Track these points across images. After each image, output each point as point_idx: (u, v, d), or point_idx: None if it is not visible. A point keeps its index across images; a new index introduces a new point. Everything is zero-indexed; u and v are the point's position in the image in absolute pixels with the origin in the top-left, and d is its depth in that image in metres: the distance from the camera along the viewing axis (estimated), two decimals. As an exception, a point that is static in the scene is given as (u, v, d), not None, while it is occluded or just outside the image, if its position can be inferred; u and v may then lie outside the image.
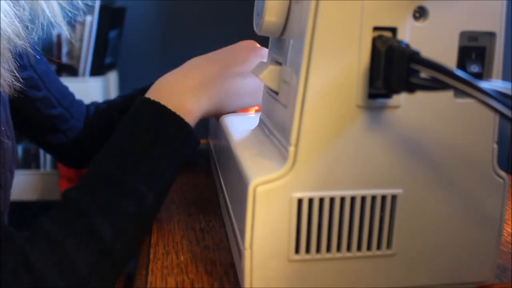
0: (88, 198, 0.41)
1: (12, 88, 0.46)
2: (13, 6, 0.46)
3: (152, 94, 0.46)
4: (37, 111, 0.67)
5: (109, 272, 0.40)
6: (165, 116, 0.44)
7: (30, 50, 0.48)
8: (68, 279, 0.37)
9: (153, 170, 0.43)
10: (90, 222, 0.39)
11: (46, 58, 0.69)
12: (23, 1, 0.51)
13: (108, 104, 0.76)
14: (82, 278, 0.38)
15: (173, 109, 0.44)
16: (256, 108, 0.54)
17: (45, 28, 0.53)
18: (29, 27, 0.50)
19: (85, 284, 0.38)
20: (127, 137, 0.44)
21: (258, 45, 0.54)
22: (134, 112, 0.46)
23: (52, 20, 0.54)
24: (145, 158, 0.43)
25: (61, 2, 0.55)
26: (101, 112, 0.75)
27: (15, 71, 0.46)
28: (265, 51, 0.52)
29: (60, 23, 0.55)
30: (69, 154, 0.74)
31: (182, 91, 0.46)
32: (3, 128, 0.54)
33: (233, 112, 0.51)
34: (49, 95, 0.68)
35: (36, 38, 0.52)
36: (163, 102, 0.45)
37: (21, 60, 0.48)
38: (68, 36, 0.59)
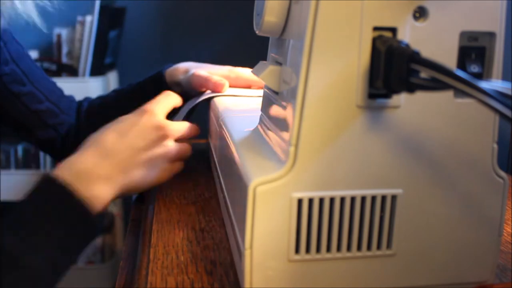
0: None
1: None
2: None
3: (67, 174, 0.47)
4: (24, 106, 0.68)
5: None
6: (71, 201, 0.45)
7: (9, 46, 0.47)
8: None
9: (38, 241, 0.43)
10: None
11: (29, 55, 0.69)
12: None
13: (102, 99, 0.76)
14: None
15: (85, 196, 0.46)
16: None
17: (13, 18, 0.53)
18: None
19: None
20: (26, 211, 0.45)
21: (157, 120, 0.55)
22: (41, 189, 0.46)
23: (19, 8, 0.54)
24: (36, 232, 0.44)
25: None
26: (95, 107, 0.75)
27: None
28: (168, 128, 0.54)
29: (30, 12, 0.55)
30: (63, 150, 0.74)
31: (95, 180, 0.48)
32: None
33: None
34: (34, 90, 0.68)
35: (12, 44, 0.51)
36: (76, 187, 0.46)
37: (1, 55, 0.48)
38: (38, 24, 0.58)
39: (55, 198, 0.45)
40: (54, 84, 0.73)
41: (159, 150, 0.53)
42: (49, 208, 0.44)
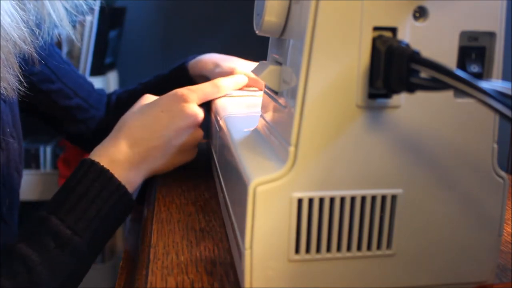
0: (24, 238, 0.45)
1: (16, 92, 0.47)
2: (20, 10, 0.46)
3: (104, 161, 0.51)
4: (54, 103, 0.69)
5: None
6: (108, 183, 0.50)
7: (35, 55, 0.50)
8: None
9: (81, 217, 0.47)
10: (18, 251, 0.44)
11: (58, 50, 0.70)
12: (30, 6, 0.51)
13: (129, 92, 0.77)
14: None
15: (120, 180, 0.51)
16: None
17: (51, 32, 0.54)
18: (36, 31, 0.50)
19: None
20: (68, 190, 0.49)
21: (186, 99, 0.57)
22: (81, 173, 0.50)
23: (58, 24, 0.55)
24: (76, 205, 0.48)
25: (66, 5, 0.55)
26: (122, 100, 0.76)
27: (20, 75, 0.47)
28: (192, 109, 0.57)
29: (66, 27, 0.56)
30: (93, 143, 0.75)
31: (127, 168, 0.53)
32: (8, 130, 0.54)
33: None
34: (63, 87, 0.69)
35: (42, 43, 0.52)
36: (111, 172, 0.51)
37: (26, 64, 0.49)
38: (75, 39, 0.60)
39: (98, 182, 0.49)
40: (84, 78, 0.74)
41: (187, 138, 0.57)
42: (94, 190, 0.49)
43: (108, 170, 0.50)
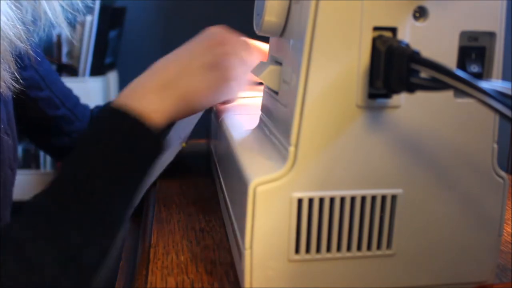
0: (56, 206, 0.40)
1: (11, 90, 0.47)
2: (16, 8, 0.46)
3: (117, 100, 0.46)
4: (41, 112, 0.68)
5: (76, 278, 0.39)
6: (126, 125, 0.43)
7: (31, 52, 0.48)
8: (35, 284, 0.37)
9: (117, 181, 0.42)
10: (57, 228, 0.39)
11: (48, 60, 0.69)
12: (25, 3, 0.51)
13: None
14: (49, 283, 0.37)
15: (137, 112, 0.44)
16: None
17: (46, 29, 0.54)
18: (31, 29, 0.50)
19: None
20: (91, 146, 0.43)
21: (227, 32, 0.51)
22: (98, 122, 0.45)
23: (54, 22, 0.54)
24: (107, 169, 0.42)
25: (62, 3, 0.55)
26: None
27: (16, 73, 0.46)
28: (232, 38, 0.51)
29: (62, 24, 0.55)
30: None
31: (144, 93, 0.46)
32: (2, 126, 0.54)
33: (207, 107, 0.51)
34: (51, 95, 0.68)
35: (37, 40, 0.52)
36: (127, 107, 0.44)
37: (22, 61, 0.49)
38: (69, 36, 0.59)
39: (111, 125, 0.44)
40: (70, 91, 0.73)
41: (212, 55, 0.49)
42: (107, 136, 0.43)
43: (122, 106, 0.44)
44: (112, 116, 0.44)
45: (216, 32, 0.51)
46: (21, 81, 0.47)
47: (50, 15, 0.54)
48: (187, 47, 0.51)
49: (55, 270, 0.38)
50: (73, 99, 0.73)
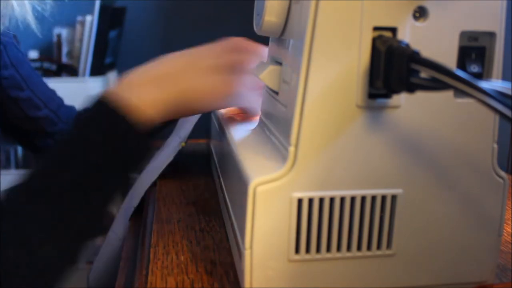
0: (24, 200, 0.39)
1: None
2: None
3: (108, 89, 0.44)
4: (22, 112, 0.67)
5: (28, 275, 0.37)
6: (107, 120, 0.42)
7: (10, 52, 0.48)
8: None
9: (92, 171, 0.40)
10: (19, 220, 0.38)
11: (30, 62, 0.69)
12: None
13: None
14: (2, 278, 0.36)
15: (126, 103, 0.42)
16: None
17: (13, 22, 0.53)
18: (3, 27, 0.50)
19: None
20: (66, 142, 0.42)
21: (246, 43, 0.50)
22: (80, 116, 0.44)
23: (21, 16, 0.54)
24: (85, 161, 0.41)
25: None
26: None
27: None
28: (252, 49, 0.49)
29: (29, 18, 0.55)
30: None
31: (140, 83, 0.44)
32: None
33: (208, 110, 0.49)
34: (33, 96, 0.68)
35: (16, 50, 0.52)
36: (119, 96, 0.42)
37: (1, 60, 0.48)
38: (35, 31, 0.58)
39: (91, 120, 0.42)
40: (53, 92, 0.73)
41: (223, 59, 0.47)
42: (92, 128, 0.42)
43: (110, 94, 0.41)
44: (94, 109, 0.42)
45: (236, 40, 0.50)
46: (1, 80, 0.46)
47: (16, 7, 0.54)
48: (201, 47, 0.49)
49: (8, 265, 0.36)
50: (57, 101, 0.72)
